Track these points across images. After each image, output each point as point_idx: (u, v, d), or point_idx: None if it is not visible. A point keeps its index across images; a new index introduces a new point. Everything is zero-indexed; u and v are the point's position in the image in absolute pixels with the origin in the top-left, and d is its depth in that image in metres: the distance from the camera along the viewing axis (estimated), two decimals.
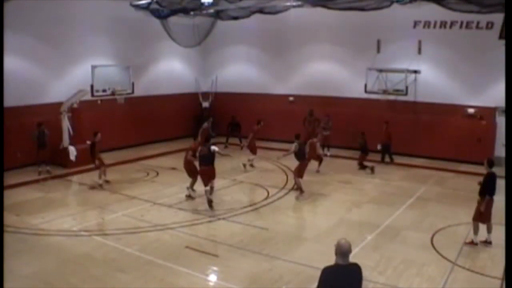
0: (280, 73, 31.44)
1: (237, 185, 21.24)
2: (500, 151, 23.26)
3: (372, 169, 23.97)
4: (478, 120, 25.14)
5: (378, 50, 27.10)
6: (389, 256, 13.66)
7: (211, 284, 12.21)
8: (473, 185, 15.97)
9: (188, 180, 19.12)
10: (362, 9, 23.55)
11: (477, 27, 24.52)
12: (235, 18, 27.58)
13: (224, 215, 16.87)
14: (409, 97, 26.03)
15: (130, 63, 27.10)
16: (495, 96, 24.18)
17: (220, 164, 25.02)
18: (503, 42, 23.21)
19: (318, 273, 12.18)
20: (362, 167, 24.46)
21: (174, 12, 26.71)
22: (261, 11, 26.11)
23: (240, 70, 32.92)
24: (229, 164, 24.28)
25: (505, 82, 13.29)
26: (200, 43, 28.61)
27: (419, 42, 25.90)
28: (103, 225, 15.98)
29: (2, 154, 19.29)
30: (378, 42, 27.03)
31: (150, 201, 18.67)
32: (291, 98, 30.99)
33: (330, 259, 13.24)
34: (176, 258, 13.30)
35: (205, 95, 33.10)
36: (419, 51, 26.00)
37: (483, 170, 18.83)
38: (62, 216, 16.79)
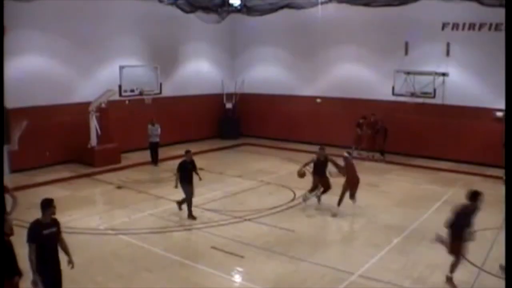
0: (307, 75, 31.35)
1: (264, 186, 21.25)
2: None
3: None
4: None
5: (406, 52, 26.91)
6: (415, 260, 13.58)
7: (236, 284, 12.24)
8: (500, 189, 15.85)
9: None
10: (389, 4, 23.33)
11: None
12: (262, 13, 27.49)
13: (250, 216, 16.88)
14: (437, 100, 25.79)
15: (158, 63, 27.22)
16: None
17: (248, 165, 25.22)
18: None
19: (342, 276, 12.24)
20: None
21: (202, 9, 26.75)
22: (288, 6, 25.97)
23: (267, 71, 32.87)
24: (256, 164, 24.32)
25: (505, 82, 13.16)
26: (224, 19, 28.41)
27: (448, 44, 25.66)
28: (130, 224, 16.07)
29: (2, 154, 19.43)
30: (406, 44, 26.84)
31: (176, 201, 18.73)
32: (318, 100, 30.87)
33: (355, 262, 13.30)
34: (202, 258, 13.38)
35: (230, 96, 33.19)
36: (448, 53, 25.77)
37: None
38: (89, 214, 16.97)
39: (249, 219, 16.61)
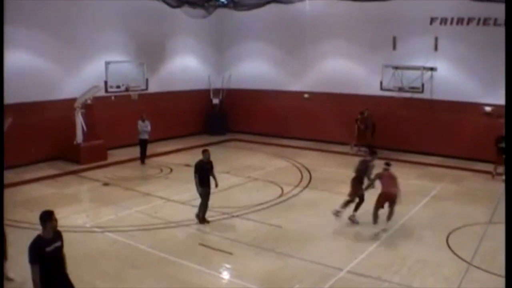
0: (294, 70, 31.28)
1: (252, 182, 21.14)
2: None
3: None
4: (496, 119, 24.86)
5: (394, 47, 26.88)
6: (404, 255, 13.54)
7: (224, 281, 12.13)
8: (489, 184, 15.85)
9: None
10: None
11: (495, 23, 24.24)
12: (249, 8, 27.27)
13: (238, 212, 16.77)
14: (425, 95, 25.76)
15: (144, 59, 27.05)
16: None
17: (235, 161, 25.12)
18: None
19: (331, 272, 12.17)
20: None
21: (188, 4, 26.49)
22: (275, 0, 25.77)
23: (254, 66, 32.79)
24: (244, 160, 24.25)
25: (505, 81, 13.14)
26: (211, 14, 28.22)
27: (436, 39, 25.63)
28: (116, 222, 15.92)
29: (2, 153, 19.26)
30: (394, 39, 26.80)
31: (163, 198, 18.63)
32: (306, 95, 30.80)
33: (344, 258, 13.23)
34: (190, 255, 13.24)
35: (216, 91, 33.04)
36: (436, 48, 25.75)
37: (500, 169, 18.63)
38: (75, 212, 16.80)
39: (237, 216, 16.50)
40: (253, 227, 15.51)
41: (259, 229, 15.30)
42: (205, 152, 15.82)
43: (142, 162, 24.24)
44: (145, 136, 24.04)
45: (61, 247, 8.61)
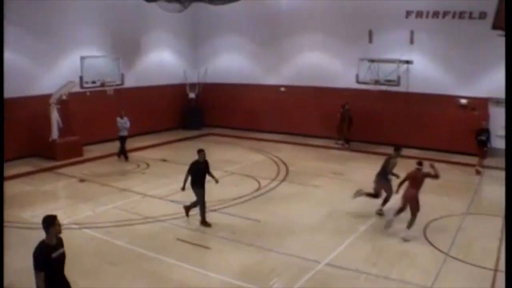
0: (271, 63, 31.25)
1: (229, 177, 21.08)
2: (493, 141, 23.17)
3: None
4: (471, 111, 25.07)
5: (370, 40, 26.96)
6: (382, 247, 13.65)
7: (203, 276, 12.08)
8: (465, 176, 15.98)
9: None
10: None
11: (470, 17, 24.44)
12: (225, 2, 27.11)
13: (215, 207, 16.72)
14: (401, 88, 25.83)
15: (119, 54, 26.86)
16: (488, 86, 24.25)
17: (212, 155, 25.03)
18: (496, 32, 23.24)
19: (310, 265, 12.19)
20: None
21: None
22: None
23: (230, 60, 32.69)
24: (220, 155, 24.21)
25: (505, 81, 13.22)
26: (187, 8, 27.97)
27: (412, 32, 25.75)
28: (94, 218, 15.79)
29: (2, 153, 19.04)
30: (370, 32, 26.88)
31: (141, 193, 18.53)
32: (282, 89, 30.78)
33: (322, 251, 13.26)
34: (168, 250, 13.19)
35: (192, 86, 32.93)
36: (412, 42, 25.86)
37: (476, 160, 18.81)
38: (52, 209, 16.43)
39: (214, 210, 16.44)
40: (231, 221, 15.49)
41: (237, 223, 15.28)
42: (200, 152, 15.46)
43: (125, 158, 23.86)
44: (125, 133, 23.80)
45: (64, 253, 8.31)
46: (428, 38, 25.64)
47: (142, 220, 15.64)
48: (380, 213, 16.39)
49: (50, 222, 8.07)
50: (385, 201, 16.44)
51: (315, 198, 18.37)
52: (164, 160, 23.82)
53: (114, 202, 17.40)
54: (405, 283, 11.48)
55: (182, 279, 11.63)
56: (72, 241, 13.82)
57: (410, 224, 14.38)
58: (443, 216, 16.09)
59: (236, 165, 23.04)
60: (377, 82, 26.13)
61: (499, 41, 23.60)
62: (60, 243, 8.23)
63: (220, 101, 32.43)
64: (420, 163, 15.08)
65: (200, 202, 15.18)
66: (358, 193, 16.81)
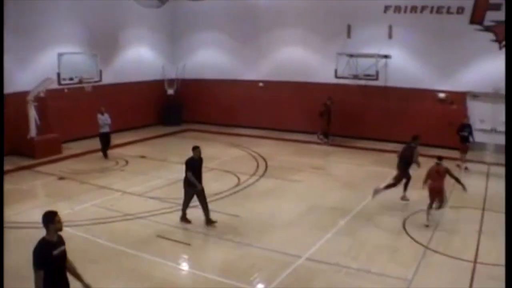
0: (249, 59, 31.23)
1: (208, 172, 20.98)
2: (474, 136, 23.34)
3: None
4: (449, 105, 25.25)
5: (349, 35, 27.02)
6: (362, 241, 13.71)
7: (184, 272, 12.10)
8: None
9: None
10: None
11: (448, 12, 24.61)
12: None
13: (194, 203, 16.66)
14: (380, 82, 25.93)
15: (97, 50, 26.60)
16: (466, 80, 24.48)
17: (191, 151, 24.96)
18: (473, 27, 23.46)
19: (290, 260, 12.21)
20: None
21: None
22: None
23: (209, 56, 32.57)
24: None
25: (505, 80, 13.26)
26: (164, 3, 27.72)
27: (390, 27, 25.86)
28: (73, 216, 15.65)
29: (3, 154, 18.82)
30: (349, 27, 26.94)
31: (120, 190, 18.44)
32: (261, 84, 30.78)
33: (302, 245, 13.28)
34: (148, 247, 13.13)
35: (171, 82, 32.79)
36: (390, 36, 25.98)
37: (455, 154, 18.95)
38: (31, 207, 16.45)
39: (193, 206, 16.37)
40: (211, 217, 15.45)
41: (217, 219, 15.20)
42: (195, 149, 15.14)
43: (105, 155, 23.72)
44: (106, 129, 23.56)
45: (65, 252, 8.12)
46: (407, 33, 25.78)
47: (121, 217, 15.56)
48: (405, 199, 16.99)
49: (49, 219, 7.86)
50: (406, 186, 17.16)
51: (295, 193, 18.40)
52: (143, 157, 23.73)
53: (93, 200, 17.28)
54: (386, 276, 11.54)
55: (163, 276, 11.59)
56: None
57: (440, 208, 15.21)
58: (422, 210, 16.17)
59: (215, 160, 22.96)
60: (356, 77, 26.18)
61: (477, 36, 23.88)
62: (61, 240, 8.01)
63: (199, 96, 32.32)
64: (439, 158, 15.63)
65: (187, 200, 14.97)
66: (377, 192, 16.95)
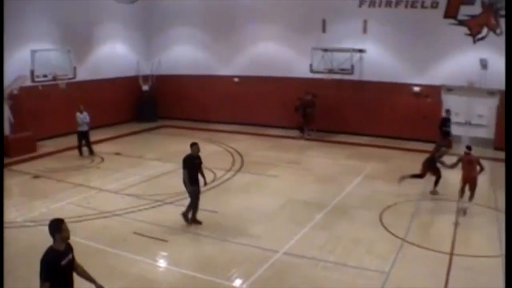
0: (224, 54, 31.17)
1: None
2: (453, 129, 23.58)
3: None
4: (424, 98, 25.44)
5: (324, 30, 27.10)
6: (338, 235, 13.78)
7: (161, 269, 12.07)
8: (419, 162, 16.26)
9: None
10: None
11: (422, 6, 24.80)
12: None
13: (171, 199, 16.66)
14: (355, 76, 26.04)
15: (71, 46, 26.35)
16: (440, 74, 24.73)
17: (166, 147, 24.93)
18: (448, 21, 23.66)
19: (267, 254, 12.24)
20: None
21: None
22: None
23: (184, 51, 32.41)
24: (175, 146, 24.11)
25: (505, 79, 13.35)
26: None
27: (365, 21, 26.00)
28: (49, 215, 15.43)
29: (3, 154, 18.59)
30: (324, 21, 27.02)
31: (96, 188, 18.32)
32: (236, 79, 30.74)
33: (279, 240, 13.31)
34: (125, 245, 13.08)
35: (146, 78, 32.63)
36: (365, 31, 26.11)
37: (429, 147, 19.07)
38: (5, 207, 16.28)
39: (170, 202, 16.39)
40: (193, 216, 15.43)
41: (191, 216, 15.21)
42: (194, 145, 14.58)
43: (80, 153, 23.35)
44: (85, 128, 23.30)
45: (73, 259, 7.74)
46: (381, 27, 25.93)
47: (98, 215, 15.48)
48: (434, 193, 17.20)
49: (57, 227, 7.54)
50: (436, 182, 17.34)
51: (271, 188, 18.45)
52: (119, 154, 23.60)
53: (69, 198, 17.14)
54: (363, 269, 11.62)
55: (141, 272, 11.56)
56: (27, 239, 13.69)
57: (470, 198, 15.56)
58: (397, 202, 16.31)
59: None
60: (331, 71, 26.24)
61: (451, 30, 24.09)
62: (68, 248, 7.67)
63: (174, 92, 32.19)
64: (469, 148, 16.02)
65: (194, 199, 14.45)
66: (402, 178, 17.51)
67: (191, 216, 14.56)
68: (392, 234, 13.71)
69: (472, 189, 15.57)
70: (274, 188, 18.38)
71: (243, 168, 21.13)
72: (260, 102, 29.55)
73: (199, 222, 14.49)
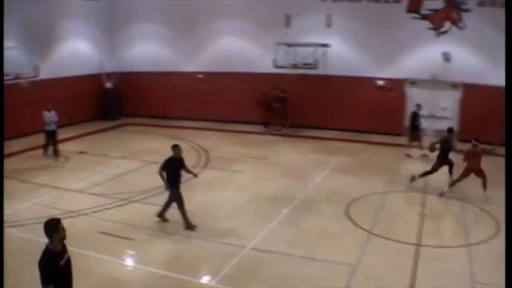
0: (188, 51, 31.06)
1: (149, 166, 20.83)
2: (406, 121, 23.85)
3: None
4: (388, 92, 25.68)
5: (287, 25, 27.17)
6: (306, 229, 13.86)
7: (128, 268, 11.99)
8: (384, 155, 16.40)
9: None
10: None
11: (385, 1, 25.05)
12: None
13: (137, 197, 16.57)
14: (319, 71, 26.10)
15: (33, 44, 26.02)
16: (404, 68, 25.03)
17: (131, 145, 24.77)
18: (411, 15, 23.94)
19: (235, 250, 12.25)
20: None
21: None
22: None
23: (147, 48, 32.16)
24: (140, 144, 24.01)
25: (505, 78, 13.47)
26: None
27: (329, 16, 26.16)
28: (15, 216, 15.32)
29: (2, 154, 18.21)
30: (287, 16, 27.09)
31: (61, 187, 18.09)
32: (200, 75, 30.67)
33: (247, 235, 13.33)
34: (92, 244, 12.95)
35: (109, 75, 32.28)
36: (329, 25, 26.25)
37: (393, 140, 19.24)
38: None
39: (136, 201, 16.30)
40: (154, 211, 15.25)
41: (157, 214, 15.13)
42: (175, 147, 14.20)
43: (55, 153, 23.13)
44: (53, 127, 22.91)
45: (70, 259, 7.61)
46: (345, 22, 26.17)
47: (64, 215, 15.25)
48: (453, 185, 17.16)
49: (54, 227, 7.34)
50: (451, 171, 18.03)
51: (238, 184, 18.46)
52: (83, 153, 23.38)
53: (35, 198, 16.90)
54: (330, 262, 11.70)
55: (109, 272, 11.48)
56: None
57: (485, 186, 16.27)
58: (364, 195, 16.45)
59: (156, 154, 22.65)
60: (295, 66, 26.28)
61: (414, 24, 24.39)
62: (64, 248, 7.55)
63: (139, 89, 31.96)
64: (476, 140, 16.64)
65: (178, 203, 14.06)
66: (414, 179, 17.72)
67: (159, 211, 14.37)
68: (359, 226, 13.84)
69: (481, 177, 16.29)
70: (240, 184, 18.40)
71: (209, 165, 21.10)
72: (224, 98, 29.55)
73: (194, 227, 14.06)
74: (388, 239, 12.97)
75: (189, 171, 14.67)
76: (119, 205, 15.79)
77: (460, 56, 23.97)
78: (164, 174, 14.02)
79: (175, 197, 14.07)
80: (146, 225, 14.26)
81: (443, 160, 17.72)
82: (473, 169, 16.32)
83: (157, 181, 17.79)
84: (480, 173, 16.32)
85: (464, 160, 16.60)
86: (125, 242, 13.17)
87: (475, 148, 16.37)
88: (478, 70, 23.83)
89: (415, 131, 22.22)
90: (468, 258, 11.88)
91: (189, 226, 13.95)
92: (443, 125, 23.37)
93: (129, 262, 12.23)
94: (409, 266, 11.44)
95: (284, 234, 13.45)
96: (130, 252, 12.68)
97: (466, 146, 17.13)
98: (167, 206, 14.37)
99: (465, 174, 16.47)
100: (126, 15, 32.19)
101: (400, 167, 20.87)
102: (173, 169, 14.05)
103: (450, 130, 18.44)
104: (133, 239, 13.34)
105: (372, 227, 13.80)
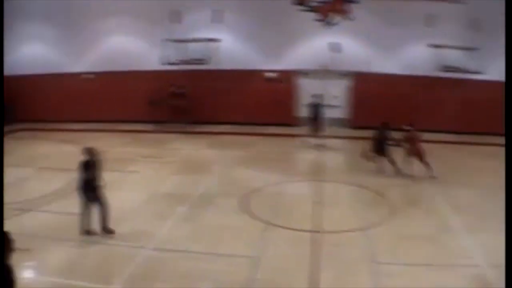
0: (77, 50, 30.21)
1: (43, 172, 20.27)
2: (298, 111, 24.36)
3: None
4: (278, 83, 26.08)
5: (178, 21, 27.02)
6: (205, 225, 13.95)
7: (26, 280, 11.54)
8: (279, 146, 16.65)
9: None
10: None
11: None
12: None
13: (31, 206, 16.02)
14: (210, 66, 26.21)
15: None
16: (295, 59, 25.57)
17: (23, 152, 23.97)
18: (297, 7, 24.45)
19: (135, 252, 12.11)
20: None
21: None
22: None
23: (34, 49, 30.87)
24: (33, 150, 23.32)
25: (505, 78, 13.81)
26: None
27: (218, 11, 26.27)
28: None
29: (2, 152, 16.86)
30: (177, 12, 26.94)
31: None
32: (90, 76, 29.95)
33: (146, 236, 13.21)
34: None
35: None
36: (218, 20, 26.35)
37: (287, 131, 19.50)
38: None
39: (30, 209, 15.77)
40: (50, 218, 14.87)
41: (57, 219, 14.71)
42: (87, 150, 13.72)
43: None
44: None
45: None
46: (235, 16, 26.53)
47: None
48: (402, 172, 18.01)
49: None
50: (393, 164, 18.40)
51: (133, 184, 18.26)
52: None
53: None
54: (232, 256, 11.82)
55: None
56: None
57: (429, 170, 17.39)
58: (261, 187, 16.65)
59: (48, 159, 22.18)
60: (185, 62, 26.24)
61: (302, 16, 24.95)
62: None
63: (29, 93, 30.78)
64: (411, 124, 17.76)
65: (88, 206, 13.51)
66: (398, 172, 18.19)
67: (101, 226, 13.58)
68: (258, 218, 14.00)
69: (421, 159, 17.43)
70: (136, 184, 18.22)
71: (103, 167, 20.72)
72: (115, 97, 29.02)
73: (112, 231, 13.55)
74: (286, 228, 13.23)
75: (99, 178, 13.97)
76: (15, 215, 15.18)
77: (349, 47, 24.75)
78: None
79: (94, 200, 13.51)
80: (42, 233, 13.76)
81: (380, 150, 18.26)
82: (414, 153, 17.49)
83: (51, 187, 17.47)
84: (420, 157, 17.48)
85: (401, 145, 17.68)
86: (23, 253, 12.73)
87: (411, 133, 17.54)
88: (367, 59, 24.68)
89: (317, 121, 22.64)
90: (368, 240, 12.28)
91: (107, 230, 13.56)
92: (336, 114, 24.02)
93: (29, 273, 11.81)
94: (310, 253, 11.71)
95: (183, 231, 13.42)
96: (29, 263, 12.24)
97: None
98: (88, 215, 13.62)
99: (409, 158, 17.70)
100: (10, 15, 30.85)
101: (295, 157, 21.26)
102: (87, 174, 13.51)
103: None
104: (28, 249, 12.91)
105: (271, 218, 13.99)
